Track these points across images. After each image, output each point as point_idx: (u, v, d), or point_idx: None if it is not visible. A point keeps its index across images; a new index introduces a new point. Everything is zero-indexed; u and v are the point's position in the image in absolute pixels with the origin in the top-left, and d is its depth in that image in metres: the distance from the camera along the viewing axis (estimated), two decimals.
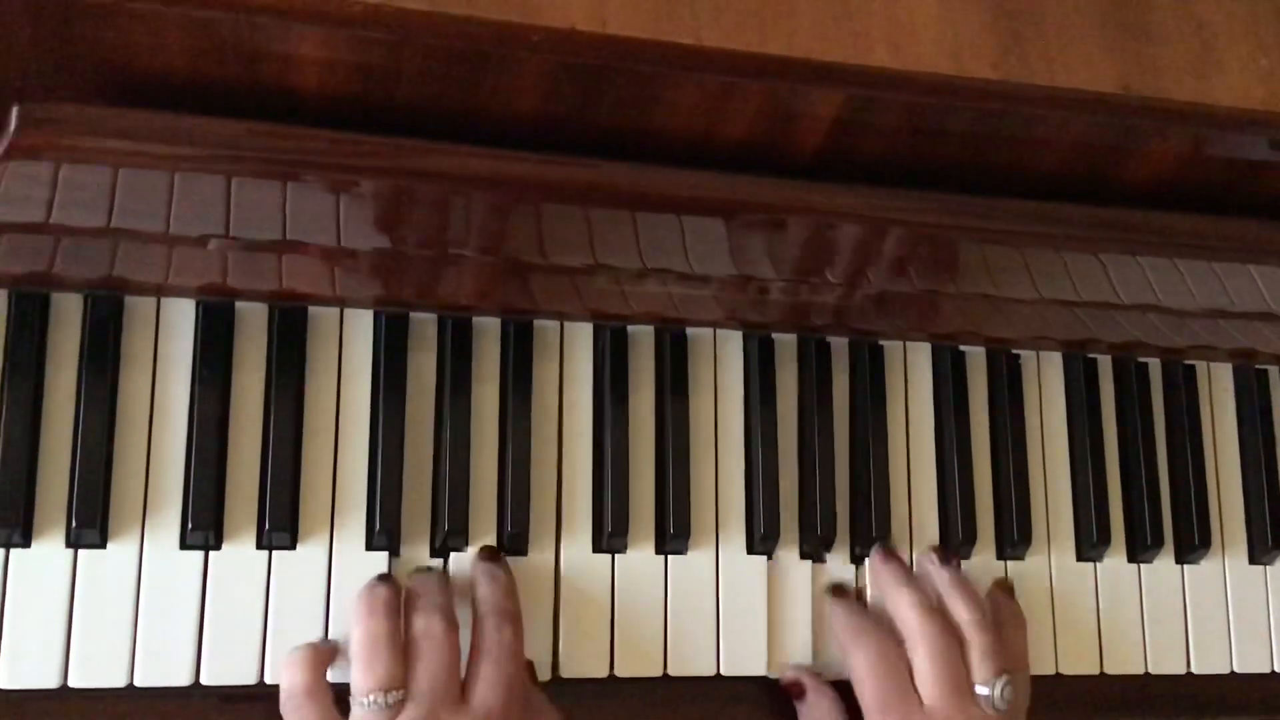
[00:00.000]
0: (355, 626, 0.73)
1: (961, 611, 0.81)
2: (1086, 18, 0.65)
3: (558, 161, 0.67)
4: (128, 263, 0.72)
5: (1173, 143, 0.72)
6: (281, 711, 0.72)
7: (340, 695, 0.72)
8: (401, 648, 0.72)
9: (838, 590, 0.85)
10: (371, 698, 0.70)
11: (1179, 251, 0.75)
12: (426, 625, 0.73)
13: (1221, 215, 0.77)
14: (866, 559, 0.86)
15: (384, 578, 0.76)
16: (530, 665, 0.78)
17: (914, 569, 0.86)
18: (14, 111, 0.57)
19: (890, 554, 0.85)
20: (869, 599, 0.85)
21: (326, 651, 0.75)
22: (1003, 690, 0.78)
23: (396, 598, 0.75)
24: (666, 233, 0.71)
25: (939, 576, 0.85)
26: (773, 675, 0.83)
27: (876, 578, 0.85)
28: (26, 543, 0.73)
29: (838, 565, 0.86)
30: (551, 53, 0.59)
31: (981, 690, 0.78)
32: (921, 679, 0.79)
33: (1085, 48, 0.65)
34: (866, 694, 0.79)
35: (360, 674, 0.71)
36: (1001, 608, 0.86)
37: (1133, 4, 0.66)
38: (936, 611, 0.81)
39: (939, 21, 0.63)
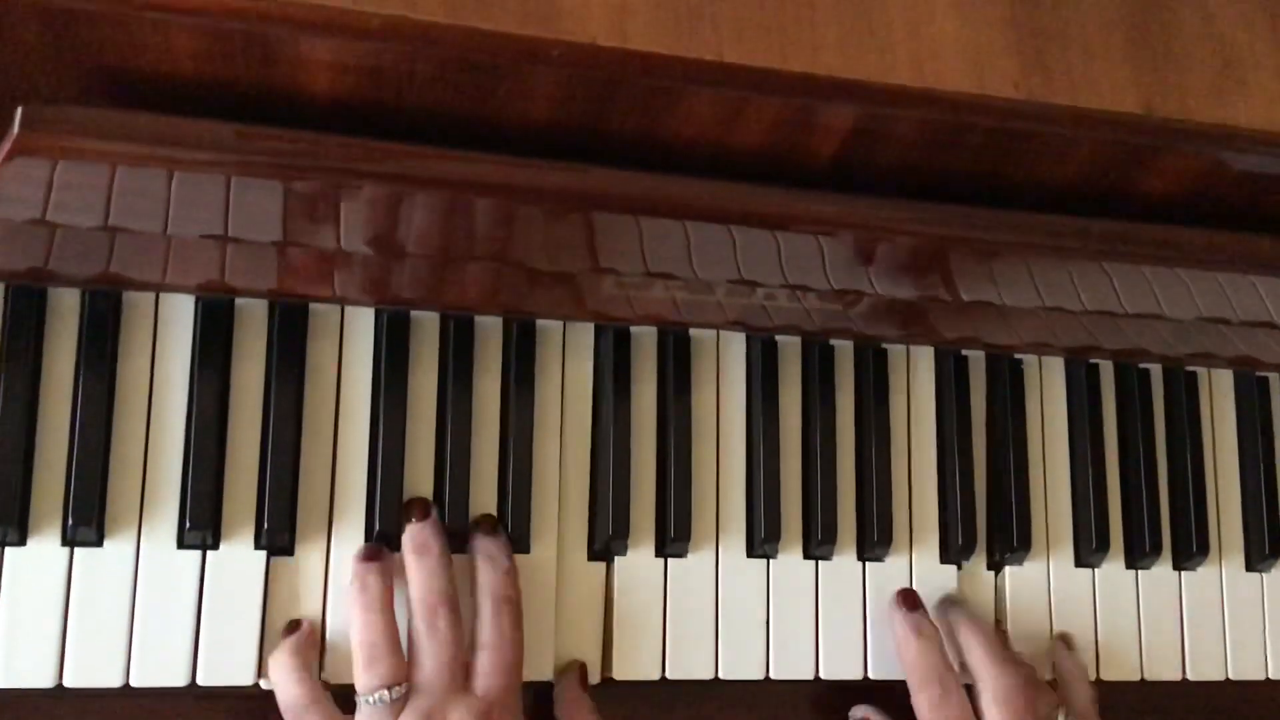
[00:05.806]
0: (353, 623, 0.73)
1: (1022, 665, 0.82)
2: (1110, 38, 0.64)
3: (565, 169, 0.66)
4: (127, 260, 0.71)
5: (1190, 161, 0.71)
6: None
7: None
8: (397, 641, 0.73)
9: (906, 597, 0.84)
10: (376, 695, 0.71)
11: (1191, 265, 0.74)
12: (429, 618, 0.73)
13: (1231, 229, 0.76)
14: (871, 561, 0.86)
15: (373, 557, 0.75)
16: (583, 667, 0.79)
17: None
18: (17, 113, 0.56)
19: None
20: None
21: (310, 648, 0.74)
22: None
23: (389, 587, 0.74)
24: (674, 240, 0.70)
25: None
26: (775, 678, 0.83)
27: (939, 620, 0.84)
28: (22, 540, 0.72)
29: (843, 567, 0.85)
30: (570, 66, 0.58)
31: None
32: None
33: (1108, 68, 0.64)
34: None
35: (362, 673, 0.72)
36: (1066, 662, 0.87)
37: (1156, 24, 0.66)
38: (1010, 661, 0.81)
39: (962, 40, 0.62)
